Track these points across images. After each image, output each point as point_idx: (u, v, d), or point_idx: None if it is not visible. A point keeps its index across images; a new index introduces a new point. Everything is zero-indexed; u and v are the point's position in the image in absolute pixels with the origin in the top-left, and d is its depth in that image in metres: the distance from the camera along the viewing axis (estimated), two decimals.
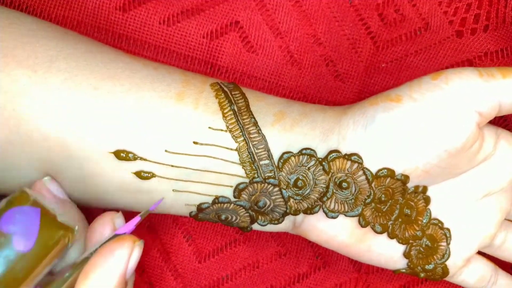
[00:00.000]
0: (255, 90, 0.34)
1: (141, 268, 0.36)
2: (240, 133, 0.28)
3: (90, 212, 0.36)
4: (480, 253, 0.34)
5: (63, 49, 0.28)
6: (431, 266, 0.32)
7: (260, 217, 0.30)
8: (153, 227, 0.36)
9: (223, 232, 0.36)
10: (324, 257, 0.37)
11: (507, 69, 0.29)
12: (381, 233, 0.30)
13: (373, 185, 0.29)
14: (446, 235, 0.32)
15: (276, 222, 0.30)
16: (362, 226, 0.30)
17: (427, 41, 0.35)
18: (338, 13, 0.34)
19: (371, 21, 0.34)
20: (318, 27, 0.34)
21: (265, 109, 0.29)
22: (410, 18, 0.34)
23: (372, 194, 0.29)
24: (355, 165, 0.28)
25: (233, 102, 0.29)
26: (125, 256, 0.25)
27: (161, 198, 0.28)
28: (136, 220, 0.27)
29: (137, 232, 0.36)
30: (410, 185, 0.30)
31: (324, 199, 0.29)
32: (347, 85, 0.35)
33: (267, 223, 0.30)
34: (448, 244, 0.32)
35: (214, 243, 0.36)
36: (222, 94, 0.29)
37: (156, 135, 0.27)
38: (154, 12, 0.33)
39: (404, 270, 0.32)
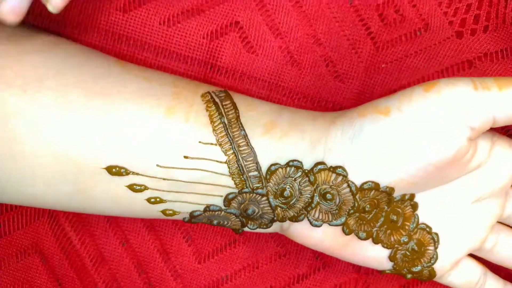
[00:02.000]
0: (255, 90, 0.34)
1: (141, 269, 0.36)
2: (230, 147, 0.29)
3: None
4: (472, 256, 0.34)
5: (52, 67, 0.28)
6: (417, 269, 0.32)
7: (250, 222, 0.30)
8: (152, 228, 0.36)
9: (222, 232, 0.36)
10: (324, 257, 0.37)
11: (504, 80, 0.28)
12: (365, 239, 0.30)
13: (357, 196, 0.29)
14: (434, 239, 0.31)
15: (265, 226, 0.31)
16: (346, 234, 0.30)
17: (427, 41, 0.35)
18: (338, 13, 0.34)
19: (371, 22, 0.34)
20: (318, 27, 0.34)
21: (256, 119, 0.30)
22: (410, 18, 0.34)
23: (356, 205, 0.29)
24: (340, 178, 0.29)
25: (224, 114, 0.29)
26: None
27: None
28: None
29: (136, 232, 0.36)
30: (397, 194, 0.30)
31: (309, 208, 0.29)
32: (347, 85, 0.35)
33: (257, 227, 0.31)
34: (436, 248, 0.32)
35: (213, 244, 0.36)
36: (213, 106, 0.29)
37: (146, 150, 0.28)
38: (154, 13, 0.33)
39: (389, 271, 0.32)
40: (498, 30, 0.35)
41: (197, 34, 0.34)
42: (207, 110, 0.29)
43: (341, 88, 0.35)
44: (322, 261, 0.37)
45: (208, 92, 0.30)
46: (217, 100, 0.30)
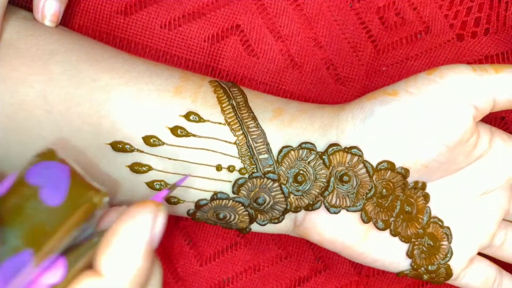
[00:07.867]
0: None
1: None
2: (239, 127, 0.28)
3: None
4: (482, 255, 0.34)
5: (64, 44, 0.29)
6: (434, 267, 0.31)
7: (259, 215, 0.29)
8: None
9: (224, 235, 0.36)
10: (325, 260, 0.37)
11: (500, 65, 0.29)
12: (383, 229, 0.30)
13: (374, 178, 0.29)
14: (447, 233, 0.32)
15: (276, 221, 0.29)
16: (365, 222, 0.29)
17: (427, 44, 0.35)
18: (338, 16, 0.34)
19: (372, 25, 0.34)
20: (318, 30, 0.34)
21: (263, 106, 0.29)
22: (411, 21, 0.34)
23: (373, 187, 0.29)
24: (356, 158, 0.28)
25: (232, 97, 0.29)
26: (149, 221, 0.22)
27: (188, 174, 0.27)
28: (163, 192, 0.25)
29: None
30: (410, 180, 0.30)
31: (326, 194, 0.29)
32: (348, 88, 0.35)
33: (267, 222, 0.29)
34: (449, 242, 0.32)
35: (215, 246, 0.36)
36: (221, 89, 0.29)
37: (153, 127, 0.27)
38: (155, 16, 0.33)
39: (407, 272, 0.32)
40: (499, 33, 0.35)
41: (198, 38, 0.34)
42: (215, 93, 0.29)
43: (342, 91, 0.35)
44: (324, 263, 0.37)
45: (216, 80, 0.30)
46: (224, 86, 0.29)
